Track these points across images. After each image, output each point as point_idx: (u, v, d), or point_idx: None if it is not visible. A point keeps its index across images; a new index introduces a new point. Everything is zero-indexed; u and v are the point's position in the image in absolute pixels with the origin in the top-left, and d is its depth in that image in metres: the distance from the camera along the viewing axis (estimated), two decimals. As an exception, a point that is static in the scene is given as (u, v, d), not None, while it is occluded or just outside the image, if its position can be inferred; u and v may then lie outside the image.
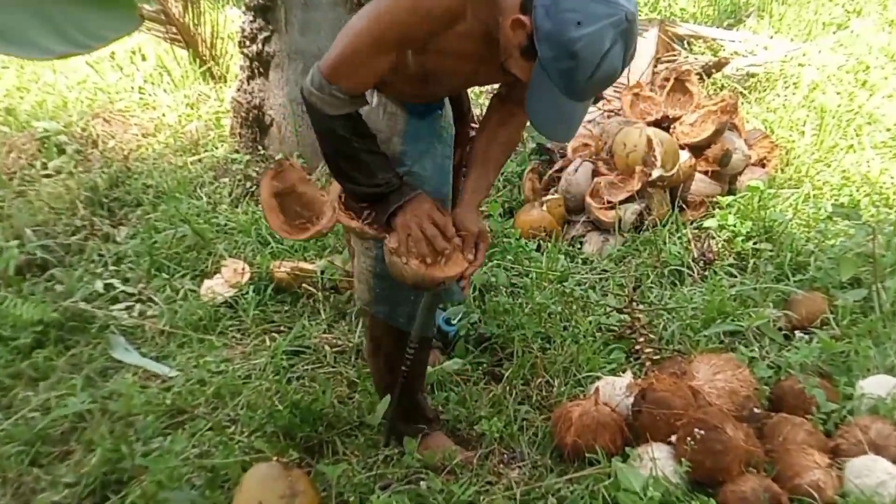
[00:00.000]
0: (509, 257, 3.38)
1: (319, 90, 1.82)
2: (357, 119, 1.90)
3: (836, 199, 3.86)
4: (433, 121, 2.07)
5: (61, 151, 4.45)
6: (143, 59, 5.59)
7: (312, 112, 1.88)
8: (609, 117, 4.24)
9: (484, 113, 2.15)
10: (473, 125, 2.38)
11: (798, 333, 2.90)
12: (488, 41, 1.75)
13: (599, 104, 4.40)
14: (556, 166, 4.03)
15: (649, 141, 3.67)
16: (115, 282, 3.34)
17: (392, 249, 1.91)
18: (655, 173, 3.62)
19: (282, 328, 3.10)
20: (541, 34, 1.59)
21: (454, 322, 2.90)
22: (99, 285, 3.29)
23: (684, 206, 3.82)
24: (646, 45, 4.86)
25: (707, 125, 3.88)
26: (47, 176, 4.24)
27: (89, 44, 1.24)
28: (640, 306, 3.10)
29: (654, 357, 2.75)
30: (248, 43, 4.15)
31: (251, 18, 4.11)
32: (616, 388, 2.46)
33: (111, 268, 3.46)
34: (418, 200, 1.94)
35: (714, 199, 3.85)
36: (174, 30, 5.34)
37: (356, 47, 1.79)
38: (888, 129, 4.48)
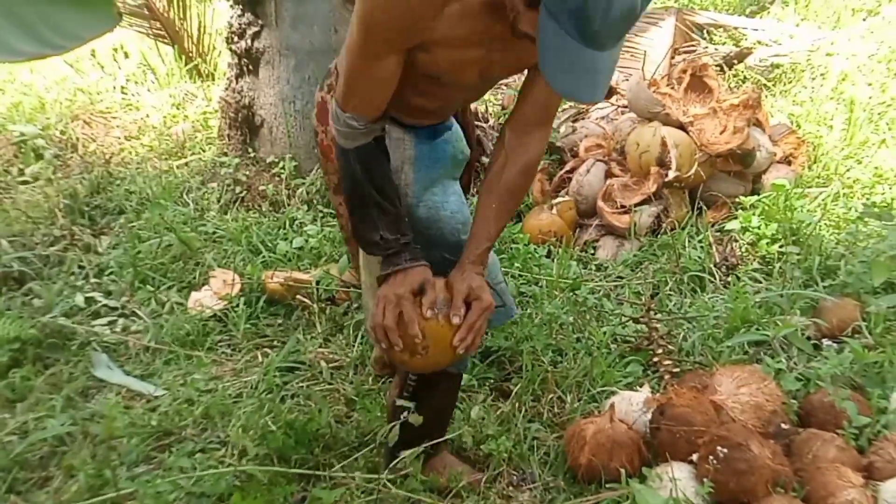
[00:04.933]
0: (517, 264, 3.37)
1: (336, 121, 1.82)
2: (373, 162, 1.88)
3: (867, 199, 3.86)
4: (444, 144, 2.05)
5: (39, 156, 4.47)
6: (126, 56, 5.62)
7: (337, 150, 1.89)
8: (622, 113, 4.23)
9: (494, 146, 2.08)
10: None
11: (828, 343, 2.88)
12: (492, 10, 1.64)
13: (613, 99, 4.40)
14: (567, 166, 4.03)
15: (664, 142, 3.67)
16: (97, 295, 3.34)
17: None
18: (672, 174, 3.62)
19: (275, 343, 3.10)
20: None
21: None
22: (80, 299, 3.29)
23: (705, 207, 3.82)
24: (662, 35, 4.87)
25: (731, 124, 3.84)
26: (24, 183, 4.26)
27: (63, 44, 1.24)
28: (658, 315, 3.10)
29: (674, 370, 2.74)
30: (236, 38, 4.16)
31: (239, 12, 4.13)
32: (633, 404, 2.45)
33: (92, 280, 3.46)
34: (409, 274, 1.87)
35: (737, 200, 3.84)
36: (158, 25, 5.37)
37: (352, 63, 1.77)
38: (923, 123, 4.47)
